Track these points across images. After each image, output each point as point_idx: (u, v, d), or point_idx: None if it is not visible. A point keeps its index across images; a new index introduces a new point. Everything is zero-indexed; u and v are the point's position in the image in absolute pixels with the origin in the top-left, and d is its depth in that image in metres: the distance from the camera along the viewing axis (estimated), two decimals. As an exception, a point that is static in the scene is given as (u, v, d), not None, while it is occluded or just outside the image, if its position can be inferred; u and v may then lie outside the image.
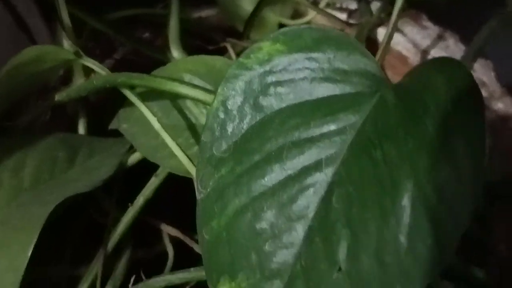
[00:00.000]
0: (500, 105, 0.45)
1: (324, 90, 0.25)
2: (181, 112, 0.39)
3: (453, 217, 0.20)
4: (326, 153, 0.24)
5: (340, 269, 0.23)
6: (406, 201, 0.21)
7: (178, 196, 0.41)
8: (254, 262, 0.25)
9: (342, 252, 0.23)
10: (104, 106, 0.46)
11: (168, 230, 0.41)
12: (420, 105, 0.22)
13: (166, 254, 0.40)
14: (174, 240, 0.41)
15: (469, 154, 0.20)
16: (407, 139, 0.22)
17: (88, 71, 0.37)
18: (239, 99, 0.26)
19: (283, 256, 0.25)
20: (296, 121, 0.25)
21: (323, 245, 0.23)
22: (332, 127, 0.24)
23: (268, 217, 0.25)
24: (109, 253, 0.38)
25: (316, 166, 0.24)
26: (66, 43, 0.36)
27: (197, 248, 0.39)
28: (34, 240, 0.33)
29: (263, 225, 0.25)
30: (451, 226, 0.20)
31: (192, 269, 0.37)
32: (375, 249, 0.22)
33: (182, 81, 0.33)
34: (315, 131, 0.25)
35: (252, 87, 0.26)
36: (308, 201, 0.24)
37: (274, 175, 0.25)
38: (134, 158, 0.41)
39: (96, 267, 0.37)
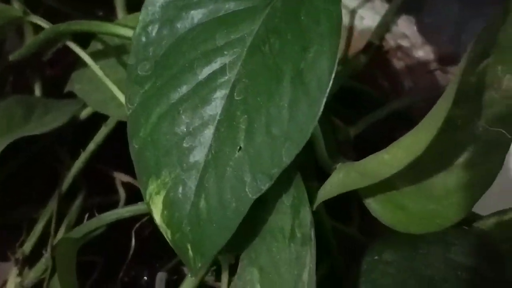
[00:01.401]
0: (420, 53, 0.50)
1: (228, 7, 0.29)
2: (125, 66, 0.43)
3: (319, 85, 0.24)
4: (229, 59, 0.28)
5: (240, 148, 0.27)
6: (286, 82, 0.25)
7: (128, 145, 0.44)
8: (174, 159, 0.29)
9: (241, 135, 0.27)
10: (62, 76, 0.50)
11: (120, 176, 0.44)
12: (298, 6, 0.26)
13: (119, 201, 0.44)
14: (126, 186, 0.44)
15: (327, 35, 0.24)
16: (286, 32, 0.26)
17: (38, 31, 0.41)
18: (157, 24, 0.30)
19: (199, 150, 0.28)
20: (205, 36, 0.29)
21: (227, 133, 0.27)
22: (234, 36, 0.28)
23: (185, 119, 0.29)
24: (64, 195, 0.41)
25: (221, 70, 0.28)
26: (16, 3, 0.40)
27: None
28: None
29: (181, 126, 0.29)
30: (318, 93, 0.24)
31: (140, 203, 0.41)
32: (265, 125, 0.26)
33: (116, 23, 0.37)
34: (220, 42, 0.29)
35: (168, 12, 0.30)
36: (216, 100, 0.28)
37: (188, 83, 0.29)
38: (86, 112, 0.44)
39: (51, 208, 0.40)
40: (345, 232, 0.39)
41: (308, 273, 0.26)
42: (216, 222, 0.28)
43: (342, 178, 0.27)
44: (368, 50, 0.48)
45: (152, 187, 0.30)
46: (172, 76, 0.30)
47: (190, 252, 0.29)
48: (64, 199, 0.42)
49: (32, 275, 0.38)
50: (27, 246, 0.39)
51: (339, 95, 0.50)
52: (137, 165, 0.31)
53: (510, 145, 0.25)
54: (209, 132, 0.28)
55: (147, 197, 0.31)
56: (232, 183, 0.27)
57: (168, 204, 0.29)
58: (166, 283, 0.40)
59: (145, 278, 0.41)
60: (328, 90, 0.24)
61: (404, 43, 0.52)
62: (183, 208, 0.29)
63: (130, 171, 0.44)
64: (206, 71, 0.29)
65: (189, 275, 0.37)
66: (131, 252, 0.41)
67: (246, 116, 0.27)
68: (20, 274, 0.38)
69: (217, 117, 0.28)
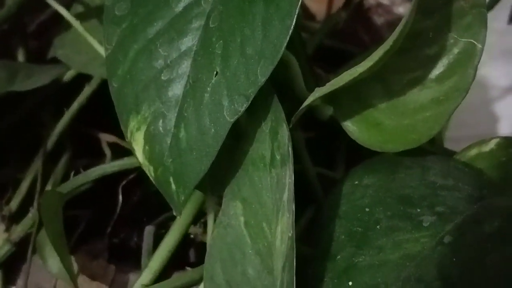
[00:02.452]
0: (401, 10, 0.51)
1: None
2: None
3: (280, 18, 0.24)
4: (205, -10, 0.29)
5: (217, 73, 0.27)
6: (259, 1, 0.25)
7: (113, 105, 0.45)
8: (153, 93, 0.29)
9: (217, 60, 0.27)
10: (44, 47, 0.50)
11: (105, 137, 0.44)
12: None
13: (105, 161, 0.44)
14: (112, 146, 0.44)
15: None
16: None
17: None
18: (132, -36, 0.31)
19: (177, 82, 0.29)
20: (179, -30, 0.29)
21: (204, 61, 0.28)
22: (207, -33, 0.29)
23: (162, 52, 0.29)
24: (49, 156, 0.41)
25: (197, 1, 0.29)
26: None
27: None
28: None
29: (158, 60, 0.29)
30: (289, 6, 0.24)
31: (125, 158, 0.41)
32: (240, 47, 0.26)
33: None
34: (194, -26, 0.29)
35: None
36: (192, 31, 0.28)
37: (164, 17, 0.29)
38: (69, 74, 0.45)
39: (36, 167, 0.40)
40: (330, 178, 0.39)
41: (287, 192, 0.26)
42: (196, 150, 0.28)
43: (317, 94, 0.27)
44: (348, 6, 0.49)
45: (132, 123, 0.30)
46: (148, 12, 0.30)
47: (173, 186, 0.30)
48: (50, 159, 0.42)
49: (19, 229, 0.38)
50: (14, 204, 0.39)
51: (321, 53, 0.50)
52: (117, 103, 0.31)
53: (481, 55, 0.25)
54: (186, 63, 0.28)
55: (128, 135, 0.31)
56: (210, 109, 0.27)
57: (149, 139, 0.30)
58: (154, 237, 0.40)
59: (133, 232, 0.41)
60: (299, 2, 0.24)
61: (384, 1, 0.52)
62: (164, 141, 0.29)
63: (115, 131, 0.44)
64: (181, 4, 0.29)
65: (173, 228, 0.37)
66: (118, 207, 0.41)
67: (221, 41, 0.27)
68: (7, 230, 0.38)
69: (194, 48, 0.28)
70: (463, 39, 0.25)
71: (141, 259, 0.39)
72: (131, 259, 0.40)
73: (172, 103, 0.29)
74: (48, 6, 0.50)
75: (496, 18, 0.76)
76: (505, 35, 0.78)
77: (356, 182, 0.29)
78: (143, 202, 0.44)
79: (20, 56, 0.47)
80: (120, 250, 0.41)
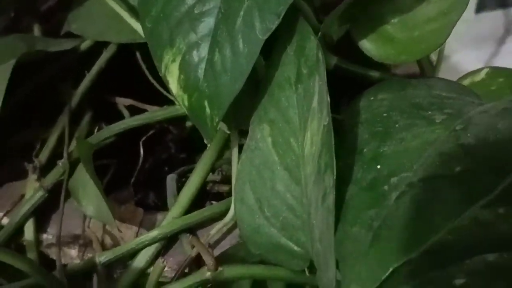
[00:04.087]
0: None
1: None
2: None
3: None
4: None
5: (247, -1, 0.30)
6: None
7: (129, 72, 0.48)
8: (187, 26, 0.33)
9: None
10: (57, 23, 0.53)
11: (122, 101, 0.47)
12: None
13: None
14: (130, 109, 0.47)
15: None
16: None
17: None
18: None
19: (209, 13, 0.32)
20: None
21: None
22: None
23: (193, -10, 0.33)
24: (71, 117, 0.44)
25: None
26: None
27: (149, 109, 0.46)
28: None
29: (190, -3, 0.33)
30: None
31: (146, 113, 0.44)
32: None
33: None
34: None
35: None
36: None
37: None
38: (85, 44, 0.47)
39: (62, 124, 0.43)
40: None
41: (317, 99, 0.29)
42: (230, 71, 0.31)
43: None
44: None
45: (167, 57, 0.33)
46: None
47: (207, 109, 0.33)
48: (72, 121, 0.44)
49: (50, 177, 0.40)
50: (42, 157, 0.41)
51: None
52: (150, 41, 0.34)
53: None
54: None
55: (163, 69, 0.34)
56: (243, 31, 0.31)
57: (185, 68, 0.33)
58: (176, 184, 0.42)
59: (156, 182, 0.44)
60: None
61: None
62: (199, 68, 0.32)
63: (132, 95, 0.47)
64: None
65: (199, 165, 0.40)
66: (140, 159, 0.44)
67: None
68: (38, 179, 0.40)
69: (222, -9, 0.32)
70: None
71: (164, 206, 0.41)
72: (155, 207, 0.43)
73: (205, 32, 0.32)
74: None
75: (464, 9, 0.83)
76: (474, 24, 0.84)
77: (372, 98, 0.33)
78: (162, 158, 0.47)
79: (36, 33, 0.49)
80: (144, 199, 0.43)
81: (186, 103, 0.34)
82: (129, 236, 0.40)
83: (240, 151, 0.37)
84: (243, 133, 0.38)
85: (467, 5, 0.30)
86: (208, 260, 0.34)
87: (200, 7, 0.32)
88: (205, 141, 0.35)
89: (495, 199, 0.23)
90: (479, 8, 0.83)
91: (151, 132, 0.45)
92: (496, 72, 0.38)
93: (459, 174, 0.24)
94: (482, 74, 0.37)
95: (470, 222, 0.23)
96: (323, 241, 0.28)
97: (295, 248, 0.33)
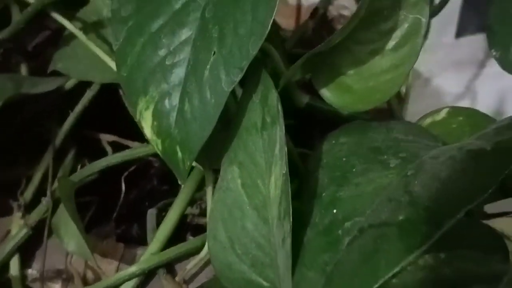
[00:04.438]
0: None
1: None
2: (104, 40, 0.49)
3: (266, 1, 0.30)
4: (199, -11, 0.35)
5: (214, 53, 0.33)
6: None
7: (112, 109, 0.50)
8: (159, 76, 0.35)
9: (214, 42, 0.33)
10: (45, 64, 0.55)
11: (106, 137, 0.49)
12: None
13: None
14: (112, 145, 0.49)
15: None
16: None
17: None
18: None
19: (179, 64, 0.34)
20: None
21: (202, 44, 0.33)
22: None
23: (165, 42, 0.35)
24: (55, 154, 0.46)
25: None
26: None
27: (131, 145, 0.48)
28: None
29: (162, 48, 0.35)
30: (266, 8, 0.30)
31: (127, 150, 0.46)
32: (233, 29, 0.32)
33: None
34: (189, -23, 0.35)
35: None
36: (190, 22, 0.34)
37: (166, 13, 0.35)
38: (70, 83, 0.49)
39: (46, 162, 0.45)
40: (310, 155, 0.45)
41: (278, 145, 0.31)
42: (199, 119, 0.33)
43: (300, 61, 0.33)
44: (314, 17, 0.56)
45: (141, 104, 0.35)
46: (151, 10, 0.35)
47: (179, 154, 0.35)
48: (57, 158, 0.46)
49: (34, 215, 0.42)
50: (27, 194, 0.43)
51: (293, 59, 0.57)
52: (126, 89, 0.36)
53: (425, 27, 0.32)
54: (187, 48, 0.34)
55: (138, 115, 0.36)
56: (210, 83, 0.33)
57: (157, 115, 0.35)
58: (156, 218, 0.44)
59: (137, 217, 0.46)
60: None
61: (346, 12, 0.59)
62: (170, 115, 0.34)
63: (115, 132, 0.49)
64: (180, 1, 0.35)
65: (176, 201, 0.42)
66: (122, 195, 0.46)
67: (216, 26, 0.33)
68: (23, 217, 0.42)
69: (193, 36, 0.34)
70: (411, 15, 0.32)
71: (145, 239, 0.43)
72: (136, 240, 0.45)
73: (176, 82, 0.34)
74: (43, 29, 0.55)
75: (445, 33, 0.85)
76: (454, 48, 0.87)
77: (334, 142, 0.35)
78: (144, 191, 0.49)
79: (23, 71, 0.52)
80: (126, 232, 0.45)
81: (160, 147, 0.36)
82: (110, 271, 0.41)
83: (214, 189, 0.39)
84: (218, 172, 0.40)
85: (417, 58, 0.32)
86: (179, 295, 0.35)
87: (171, 59, 0.34)
88: (179, 182, 0.37)
89: (436, 244, 0.25)
90: (460, 32, 0.86)
91: (132, 167, 0.47)
92: (456, 111, 0.40)
93: (402, 223, 0.25)
94: (443, 113, 0.39)
95: (412, 267, 0.25)
96: (284, 282, 0.29)
97: (265, 284, 0.35)
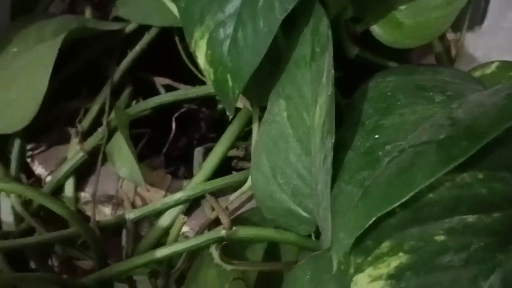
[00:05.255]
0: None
1: None
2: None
3: None
4: None
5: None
6: None
7: (166, 54, 0.52)
8: (216, 6, 0.36)
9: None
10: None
11: (159, 80, 0.51)
12: None
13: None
14: (166, 87, 0.51)
15: None
16: None
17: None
18: None
19: None
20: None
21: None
22: None
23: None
24: (112, 91, 0.48)
25: None
26: None
27: (183, 87, 0.50)
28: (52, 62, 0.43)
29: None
30: None
31: (179, 90, 0.48)
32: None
33: None
34: None
35: None
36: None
37: None
38: (130, 27, 0.52)
39: (104, 95, 0.47)
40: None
41: (326, 74, 0.32)
42: (251, 47, 0.35)
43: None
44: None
45: (197, 34, 0.37)
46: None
47: (230, 82, 0.36)
48: (113, 95, 0.49)
49: (91, 141, 0.44)
50: (85, 123, 0.46)
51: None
52: (183, 20, 0.38)
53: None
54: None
55: (193, 44, 0.38)
56: (264, 11, 0.34)
57: (211, 44, 0.37)
58: (203, 157, 0.46)
59: (184, 155, 0.48)
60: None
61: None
62: (224, 44, 0.36)
63: (168, 75, 0.51)
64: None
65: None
66: (172, 132, 0.48)
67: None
68: (80, 142, 0.45)
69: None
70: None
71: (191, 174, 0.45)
72: (185, 178, 0.47)
73: (231, 12, 0.36)
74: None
75: (504, 18, 0.83)
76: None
77: (380, 80, 0.35)
78: (192, 136, 0.51)
79: (87, 13, 0.54)
80: (176, 171, 0.48)
81: (212, 76, 0.37)
82: (157, 199, 0.44)
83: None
84: (264, 110, 0.41)
85: (469, -4, 0.32)
86: (224, 219, 0.37)
87: (227, -9, 0.36)
88: (227, 113, 0.38)
89: (474, 164, 0.26)
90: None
91: (183, 109, 0.49)
92: (506, 65, 0.39)
93: (441, 140, 0.26)
94: (493, 67, 0.39)
95: (450, 183, 0.26)
96: (323, 201, 0.31)
97: (303, 213, 0.36)
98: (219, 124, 0.53)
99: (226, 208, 0.40)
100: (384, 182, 0.26)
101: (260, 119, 0.41)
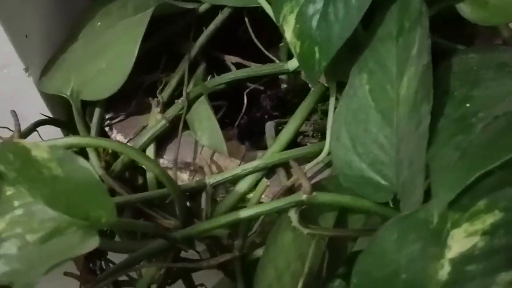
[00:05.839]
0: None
1: None
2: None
3: None
4: None
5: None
6: None
7: (236, 34, 0.54)
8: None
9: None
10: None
11: (230, 58, 0.54)
12: None
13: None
14: (236, 65, 0.53)
15: None
16: None
17: None
18: None
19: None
20: None
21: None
22: None
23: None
24: (190, 63, 0.51)
25: None
26: None
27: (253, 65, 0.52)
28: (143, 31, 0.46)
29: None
30: None
31: (250, 68, 0.50)
32: None
33: None
34: None
35: None
36: None
37: None
38: (203, 7, 0.54)
39: (182, 69, 0.50)
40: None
41: (417, 47, 0.34)
42: (341, 21, 0.37)
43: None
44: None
45: (286, 8, 0.40)
46: None
47: (317, 55, 0.38)
48: (188, 70, 0.51)
49: (171, 111, 0.47)
50: (165, 94, 0.49)
51: None
52: (273, -4, 0.40)
53: None
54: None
55: (281, 19, 0.40)
56: (357, -14, 0.36)
57: (300, 18, 0.39)
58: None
59: (257, 127, 0.50)
60: None
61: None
62: (313, 18, 0.38)
63: (238, 54, 0.54)
64: None
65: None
66: (244, 107, 0.50)
67: None
68: (161, 112, 0.47)
69: None
70: None
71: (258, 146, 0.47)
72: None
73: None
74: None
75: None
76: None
77: (463, 56, 0.37)
78: (260, 113, 0.53)
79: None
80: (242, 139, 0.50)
81: (297, 49, 0.39)
82: (232, 168, 0.46)
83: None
84: (340, 85, 0.43)
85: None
86: (305, 184, 0.39)
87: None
88: (310, 85, 0.40)
89: None
90: None
91: (253, 86, 0.51)
92: None
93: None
94: None
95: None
96: (413, 165, 0.33)
97: (382, 181, 0.38)
98: (283, 104, 0.55)
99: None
100: (483, 144, 0.28)
101: (336, 93, 0.43)
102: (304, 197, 0.39)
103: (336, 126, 0.41)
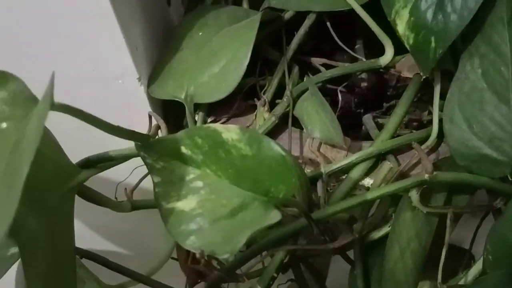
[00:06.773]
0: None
1: None
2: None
3: None
4: None
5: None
6: None
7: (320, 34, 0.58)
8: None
9: None
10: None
11: (316, 61, 0.57)
12: None
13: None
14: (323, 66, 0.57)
15: None
16: None
17: None
18: None
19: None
20: None
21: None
22: None
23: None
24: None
25: None
26: None
27: (340, 64, 0.55)
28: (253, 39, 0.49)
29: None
30: None
31: (339, 67, 0.53)
32: None
33: None
34: None
35: None
36: None
37: None
38: (288, 14, 0.58)
39: (281, 69, 0.53)
40: None
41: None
42: (459, 11, 0.40)
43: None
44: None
45: (398, 4, 0.43)
46: None
47: (433, 44, 0.42)
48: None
49: (279, 108, 0.50)
50: (268, 95, 0.52)
51: None
52: (386, -6, 0.44)
53: None
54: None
55: (393, 14, 0.43)
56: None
57: (415, 11, 0.42)
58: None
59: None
60: None
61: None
62: (428, 10, 0.42)
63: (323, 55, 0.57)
64: None
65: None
66: (339, 103, 0.53)
67: None
68: (268, 111, 0.50)
69: None
70: None
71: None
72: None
73: (434, -17, 0.41)
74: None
75: None
76: None
77: None
78: (345, 110, 0.56)
79: (245, 4, 0.60)
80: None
81: (411, 41, 0.43)
82: (339, 159, 0.49)
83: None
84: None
85: None
86: (426, 164, 0.42)
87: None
88: (422, 73, 0.44)
89: None
90: None
91: (346, 83, 0.54)
92: None
93: None
94: None
95: None
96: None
97: (500, 157, 0.41)
98: (365, 101, 0.58)
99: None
100: None
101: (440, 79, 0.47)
102: (426, 176, 0.42)
103: (448, 109, 0.44)
